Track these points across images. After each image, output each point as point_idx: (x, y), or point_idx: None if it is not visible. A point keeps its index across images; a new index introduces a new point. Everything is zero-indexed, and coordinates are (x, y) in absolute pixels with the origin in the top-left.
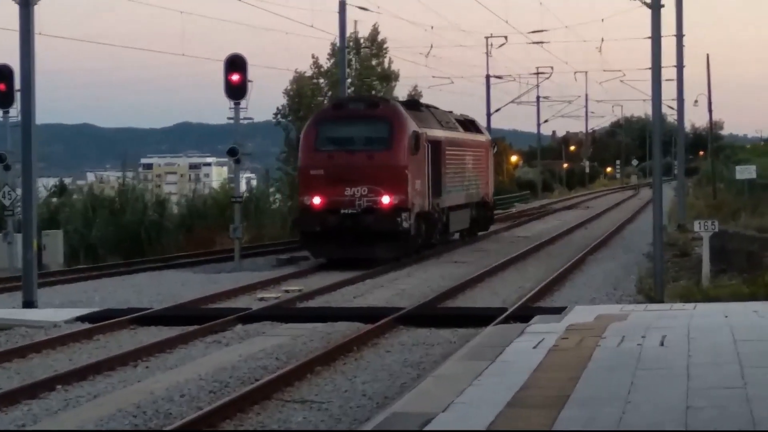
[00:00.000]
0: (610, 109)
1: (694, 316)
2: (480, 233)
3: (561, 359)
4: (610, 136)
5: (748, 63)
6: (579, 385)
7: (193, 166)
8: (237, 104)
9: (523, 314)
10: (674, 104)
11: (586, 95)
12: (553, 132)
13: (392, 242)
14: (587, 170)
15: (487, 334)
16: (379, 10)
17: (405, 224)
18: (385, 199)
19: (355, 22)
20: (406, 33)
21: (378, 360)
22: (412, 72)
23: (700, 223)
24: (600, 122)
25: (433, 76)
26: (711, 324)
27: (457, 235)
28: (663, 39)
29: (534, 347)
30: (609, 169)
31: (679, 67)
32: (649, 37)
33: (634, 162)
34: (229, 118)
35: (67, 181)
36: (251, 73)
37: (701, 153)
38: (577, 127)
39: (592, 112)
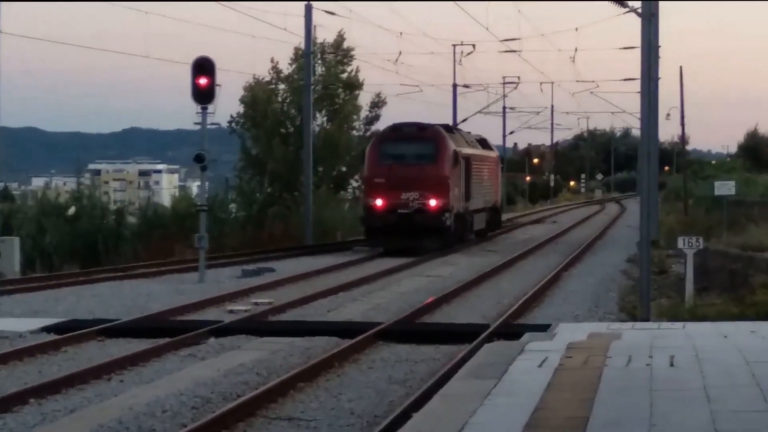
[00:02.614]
0: (579, 121)
1: (692, 336)
2: (489, 234)
3: (570, 379)
4: (573, 149)
5: (712, 77)
6: (596, 407)
7: (143, 173)
8: (204, 109)
9: (507, 331)
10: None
11: (552, 106)
12: (515, 144)
13: (437, 236)
14: (552, 183)
15: (485, 351)
16: (347, 15)
17: (447, 222)
18: (433, 202)
19: (314, 27)
20: (375, 39)
21: (361, 377)
22: (380, 79)
23: (684, 239)
24: (568, 134)
25: (402, 84)
26: (715, 345)
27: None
28: (637, 50)
29: (538, 366)
30: (572, 183)
31: (653, 78)
32: (625, 48)
33: (599, 176)
34: (196, 123)
35: (11, 186)
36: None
37: (666, 168)
38: (545, 139)
39: (558, 124)
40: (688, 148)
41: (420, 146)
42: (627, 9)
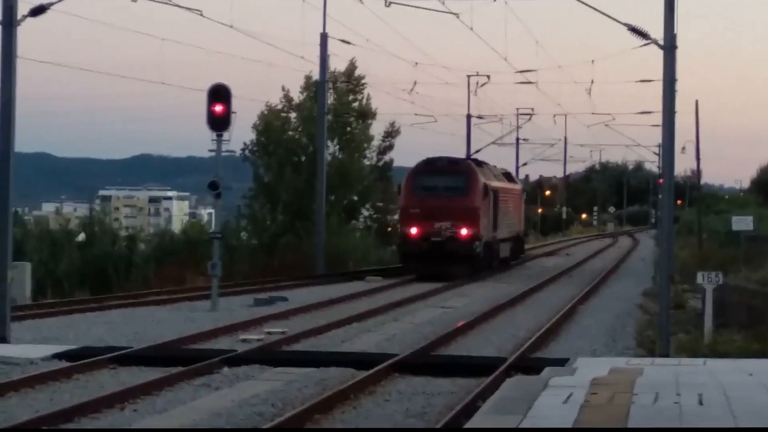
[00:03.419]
0: (592, 153)
1: (716, 373)
2: (512, 262)
3: (597, 417)
4: (585, 181)
5: (723, 112)
6: None
7: (153, 200)
8: (220, 136)
9: (524, 365)
10: (657, 150)
11: (565, 138)
12: (527, 176)
13: (468, 263)
14: (564, 216)
15: (508, 386)
16: (363, 44)
17: (477, 250)
18: (464, 231)
19: (327, 56)
20: (391, 69)
21: (378, 409)
22: (394, 108)
23: (703, 275)
24: (581, 167)
25: (416, 114)
26: (742, 383)
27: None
28: (654, 84)
29: (563, 402)
30: (584, 216)
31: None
32: (642, 80)
33: (611, 209)
34: (211, 150)
35: (21, 210)
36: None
37: (679, 202)
38: (557, 170)
39: (571, 156)
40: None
41: (452, 179)
42: (648, 41)
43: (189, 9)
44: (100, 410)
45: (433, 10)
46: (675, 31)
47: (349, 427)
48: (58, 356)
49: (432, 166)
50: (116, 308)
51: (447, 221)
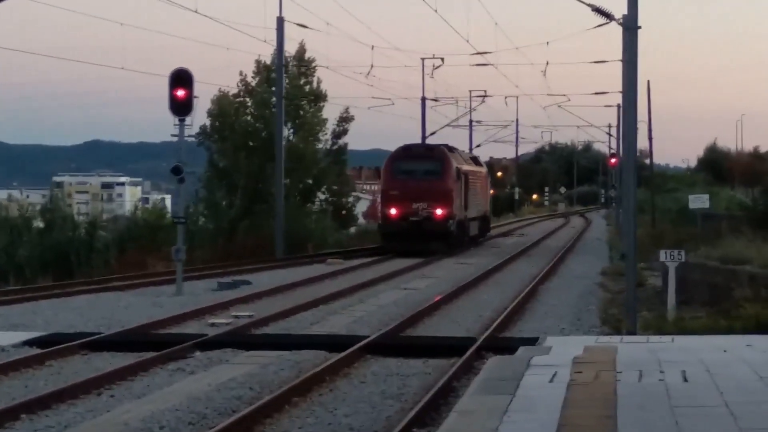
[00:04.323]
0: (543, 134)
1: (691, 350)
2: (480, 239)
3: (585, 395)
4: (535, 162)
5: (669, 93)
6: (621, 425)
7: (106, 185)
8: (182, 121)
9: (494, 345)
10: (610, 131)
11: (517, 120)
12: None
13: (442, 240)
14: (516, 197)
15: (490, 367)
16: (322, 28)
17: (451, 228)
18: (439, 211)
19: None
20: (348, 52)
21: (354, 391)
22: (352, 92)
23: (666, 253)
24: (532, 148)
25: (373, 97)
26: (720, 359)
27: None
28: (613, 64)
29: (549, 381)
30: (535, 196)
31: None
32: (596, 62)
33: (562, 189)
34: (173, 135)
35: None
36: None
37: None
38: (509, 152)
39: (523, 138)
40: (647, 162)
41: (428, 164)
42: (610, 21)
43: None
44: (78, 396)
45: None
46: (637, 11)
47: (327, 408)
48: (29, 343)
49: (409, 152)
50: (81, 294)
51: (423, 202)
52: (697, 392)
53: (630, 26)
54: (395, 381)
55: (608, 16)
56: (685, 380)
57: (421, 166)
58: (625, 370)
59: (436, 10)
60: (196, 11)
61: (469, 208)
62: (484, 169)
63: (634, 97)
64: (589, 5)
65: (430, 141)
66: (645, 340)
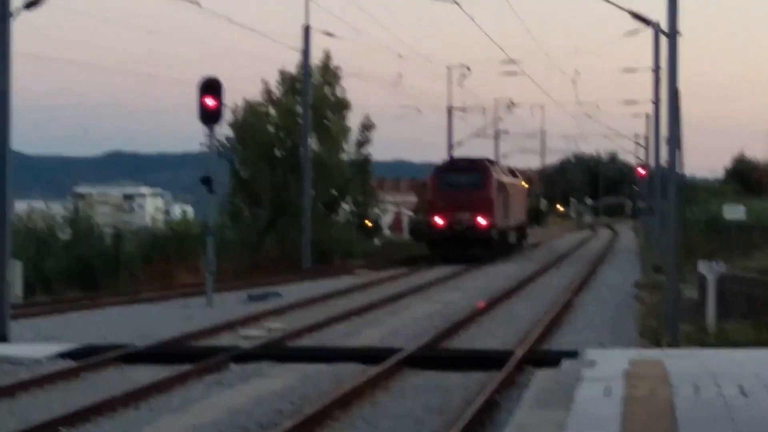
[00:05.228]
0: (574, 144)
1: (742, 363)
2: (517, 248)
3: (643, 410)
4: (559, 172)
5: (694, 101)
6: None
7: (127, 196)
8: (212, 130)
9: (534, 357)
10: (638, 140)
11: (542, 130)
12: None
13: (485, 247)
14: (543, 208)
15: (540, 380)
16: (350, 36)
17: (494, 236)
18: (482, 220)
19: (302, 51)
20: (376, 61)
21: (396, 405)
22: (380, 101)
23: (705, 264)
24: (556, 158)
25: (401, 106)
26: None
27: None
28: (639, 74)
29: (604, 396)
30: (560, 207)
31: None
32: (627, 70)
33: (589, 201)
34: (202, 144)
35: None
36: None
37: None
38: (534, 162)
39: (550, 148)
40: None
41: (471, 176)
42: (649, 26)
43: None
44: (116, 409)
45: None
46: (677, 17)
47: (369, 422)
48: (63, 355)
49: (454, 165)
50: (110, 306)
51: (468, 212)
52: (759, 407)
53: (671, 33)
54: (436, 394)
55: (647, 22)
56: (744, 394)
57: (465, 179)
58: (680, 384)
59: (473, 19)
60: (228, 19)
61: (509, 218)
62: (521, 181)
63: (676, 107)
64: (628, 11)
65: (456, 151)
66: (688, 353)
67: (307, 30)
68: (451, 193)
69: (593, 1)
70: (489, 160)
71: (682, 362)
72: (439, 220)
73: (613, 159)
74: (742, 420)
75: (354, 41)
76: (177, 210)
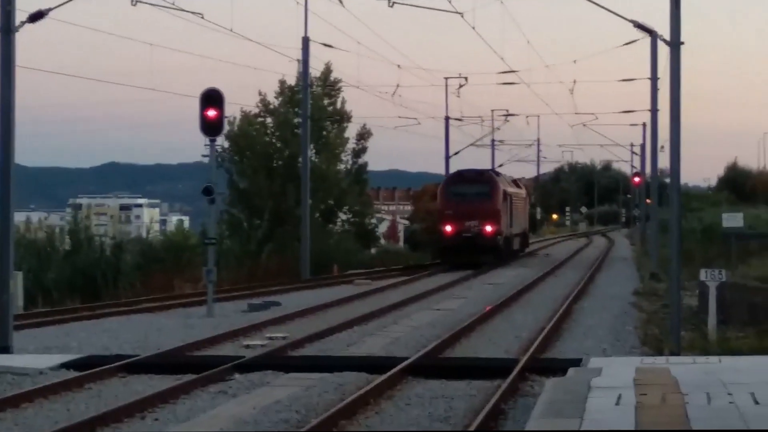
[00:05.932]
0: (565, 154)
1: (749, 371)
2: (520, 254)
3: (657, 418)
4: (553, 181)
5: (692, 111)
6: None
7: (124, 207)
8: (213, 141)
9: (537, 366)
10: (637, 150)
11: (538, 140)
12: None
13: (492, 253)
14: (538, 217)
15: (551, 388)
16: (347, 47)
17: (500, 243)
18: (488, 228)
19: (298, 61)
20: (374, 71)
21: (400, 414)
22: (378, 111)
23: (706, 272)
24: (551, 167)
25: (399, 116)
26: None
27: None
28: (636, 83)
29: (616, 404)
30: (555, 216)
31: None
32: (624, 80)
33: (583, 209)
34: (204, 155)
35: None
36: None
37: (648, 201)
38: (530, 172)
39: (545, 157)
40: (668, 181)
41: (478, 187)
42: (652, 36)
43: (191, 12)
44: (121, 420)
45: (438, 9)
46: (680, 27)
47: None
48: (66, 365)
49: (462, 177)
50: (111, 316)
51: (475, 221)
52: None
53: (673, 42)
54: (441, 403)
55: (650, 32)
56: (756, 402)
57: (472, 189)
58: (691, 392)
59: (473, 27)
60: (231, 30)
61: (513, 226)
62: (524, 191)
63: (678, 115)
64: (631, 21)
65: (453, 161)
66: (692, 360)
67: (306, 41)
68: (460, 203)
69: (591, 12)
70: (495, 172)
71: (689, 370)
72: (448, 228)
73: (607, 168)
74: (755, 426)
75: (353, 52)
76: (173, 220)
